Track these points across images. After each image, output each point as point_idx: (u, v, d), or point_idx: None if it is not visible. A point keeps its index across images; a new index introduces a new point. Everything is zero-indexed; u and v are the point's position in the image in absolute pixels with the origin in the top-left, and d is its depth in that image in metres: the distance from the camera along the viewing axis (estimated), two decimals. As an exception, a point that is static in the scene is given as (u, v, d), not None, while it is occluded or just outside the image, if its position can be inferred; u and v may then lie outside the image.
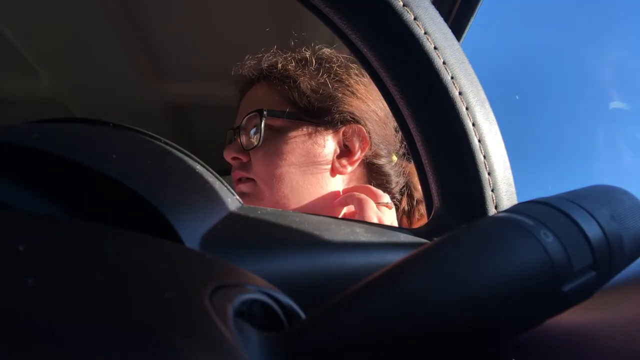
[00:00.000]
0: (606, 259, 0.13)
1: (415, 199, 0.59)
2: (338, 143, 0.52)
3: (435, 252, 0.12)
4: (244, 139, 0.53)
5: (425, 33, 0.23)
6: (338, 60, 0.54)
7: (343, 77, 0.53)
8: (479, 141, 0.23)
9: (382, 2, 0.22)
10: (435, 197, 0.25)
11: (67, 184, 0.15)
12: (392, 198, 0.55)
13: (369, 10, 0.23)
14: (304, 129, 0.51)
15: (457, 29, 0.71)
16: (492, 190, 0.23)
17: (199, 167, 0.19)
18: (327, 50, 0.57)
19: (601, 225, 0.13)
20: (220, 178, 0.20)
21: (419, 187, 0.53)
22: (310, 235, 0.18)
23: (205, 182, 0.18)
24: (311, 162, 0.50)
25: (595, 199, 0.14)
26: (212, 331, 0.09)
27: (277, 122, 0.51)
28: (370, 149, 0.52)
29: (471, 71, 0.24)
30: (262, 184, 0.51)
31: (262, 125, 0.50)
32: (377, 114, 0.53)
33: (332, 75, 0.52)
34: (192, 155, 0.20)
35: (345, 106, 0.51)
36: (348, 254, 0.18)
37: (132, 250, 0.11)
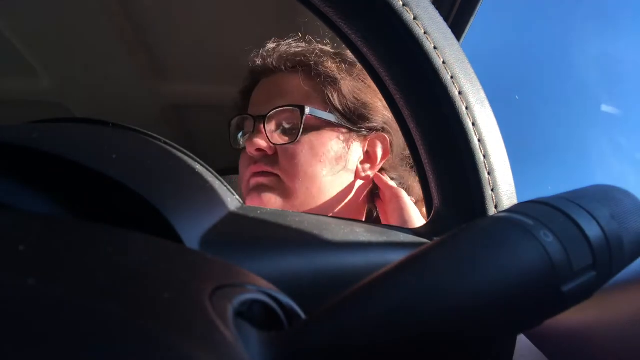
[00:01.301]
0: (606, 259, 0.13)
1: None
2: (363, 149, 0.52)
3: (435, 252, 0.12)
4: (272, 130, 0.50)
5: (425, 33, 0.23)
6: None
7: None
8: (479, 141, 0.23)
9: (382, 2, 0.22)
10: (435, 197, 0.25)
11: (67, 184, 0.15)
12: None
13: (368, 10, 0.23)
14: (340, 132, 0.50)
15: (457, 29, 0.71)
16: (492, 190, 0.23)
17: (198, 167, 0.19)
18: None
19: (601, 225, 0.13)
20: (220, 178, 0.20)
21: (416, 191, 0.54)
22: (310, 235, 0.18)
23: (205, 182, 0.18)
24: (341, 165, 0.50)
25: (595, 199, 0.14)
26: (211, 331, 0.09)
27: (315, 121, 0.49)
28: (389, 160, 0.53)
29: (471, 71, 0.24)
30: (290, 181, 0.48)
31: (302, 123, 0.48)
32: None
33: (368, 81, 0.51)
34: (192, 155, 0.20)
35: (379, 115, 0.51)
36: (348, 254, 0.18)
37: (132, 250, 0.11)
